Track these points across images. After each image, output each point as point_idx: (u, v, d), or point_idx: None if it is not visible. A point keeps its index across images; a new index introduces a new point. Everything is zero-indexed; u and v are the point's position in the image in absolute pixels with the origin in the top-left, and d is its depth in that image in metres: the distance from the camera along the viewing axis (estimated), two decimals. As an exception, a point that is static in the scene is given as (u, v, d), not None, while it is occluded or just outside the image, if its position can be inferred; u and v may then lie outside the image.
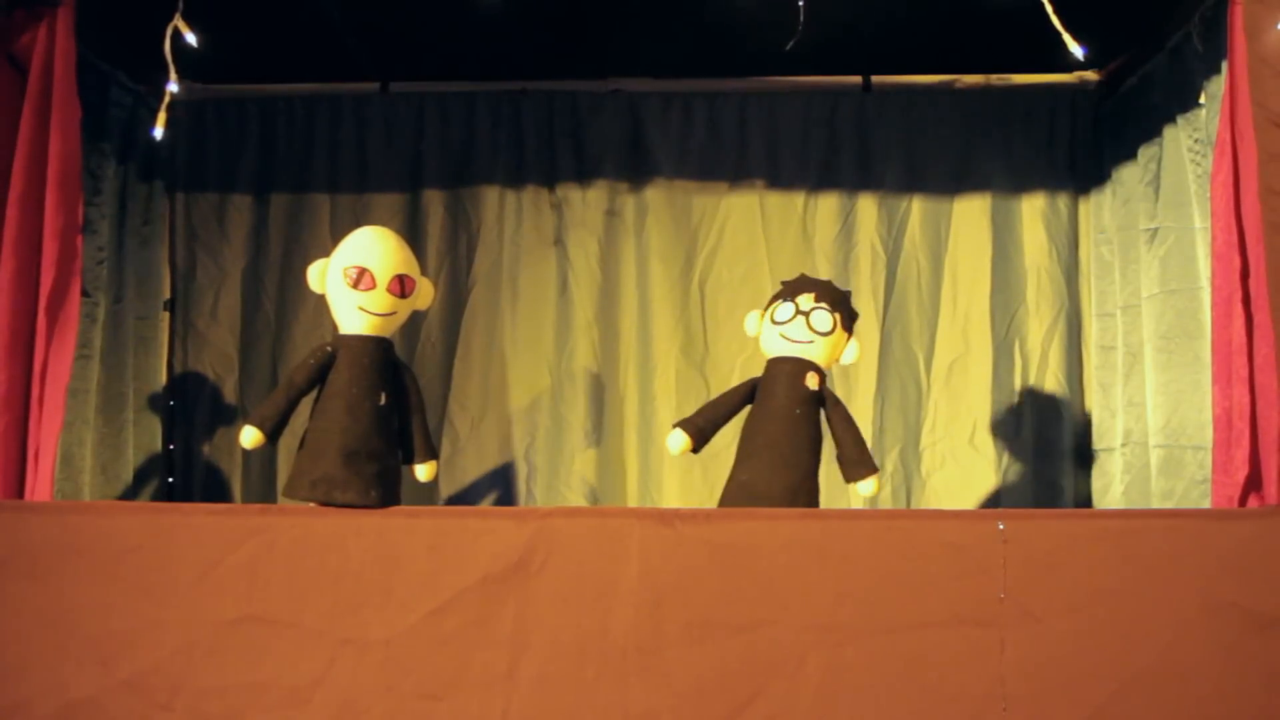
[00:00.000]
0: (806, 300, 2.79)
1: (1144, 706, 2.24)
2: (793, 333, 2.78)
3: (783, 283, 2.90)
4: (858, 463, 2.73)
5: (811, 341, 2.77)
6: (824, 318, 2.77)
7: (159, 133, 2.77)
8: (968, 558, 2.30)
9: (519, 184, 3.72)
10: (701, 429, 2.78)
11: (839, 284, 3.61)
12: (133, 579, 2.34)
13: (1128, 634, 2.26)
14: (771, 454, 2.73)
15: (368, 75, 3.69)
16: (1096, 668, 2.26)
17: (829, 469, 3.68)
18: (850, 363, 2.82)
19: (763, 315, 2.84)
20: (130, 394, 3.46)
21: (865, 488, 2.72)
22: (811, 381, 2.76)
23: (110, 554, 2.35)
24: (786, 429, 2.75)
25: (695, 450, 2.78)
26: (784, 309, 2.79)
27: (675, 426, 2.76)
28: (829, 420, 2.77)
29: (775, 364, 2.80)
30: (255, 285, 3.72)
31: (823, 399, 2.77)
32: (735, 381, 3.61)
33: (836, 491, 3.57)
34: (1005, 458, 3.59)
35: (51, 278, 2.61)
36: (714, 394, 3.61)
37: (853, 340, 2.81)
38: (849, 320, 2.82)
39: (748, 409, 2.82)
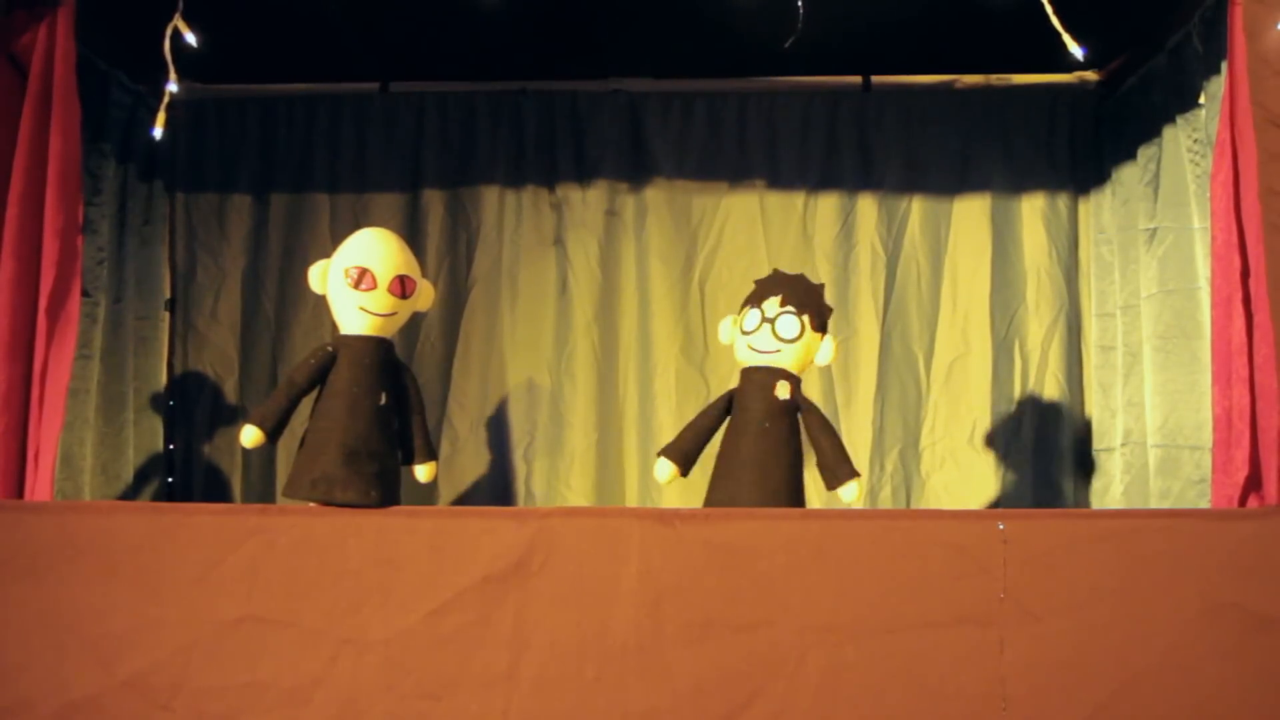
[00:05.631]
0: (772, 305, 2.72)
1: (1144, 706, 2.24)
2: (759, 343, 2.72)
3: (755, 282, 2.84)
4: (837, 468, 2.64)
5: (779, 350, 2.70)
6: (790, 323, 2.69)
7: (159, 133, 2.76)
8: (968, 558, 2.29)
9: (519, 184, 3.71)
10: (686, 452, 2.75)
11: (839, 284, 3.65)
12: (133, 579, 2.34)
13: (1128, 634, 2.26)
14: (745, 471, 2.69)
15: (368, 75, 3.69)
16: (1096, 668, 2.26)
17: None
18: (825, 364, 2.76)
19: (734, 322, 2.79)
20: (130, 394, 3.46)
21: (847, 493, 2.63)
22: (781, 391, 2.69)
23: (110, 554, 2.35)
24: (758, 444, 2.69)
25: (684, 474, 2.76)
26: (751, 317, 2.73)
27: (660, 455, 2.75)
28: (806, 428, 2.69)
29: (746, 375, 2.74)
30: (255, 285, 3.72)
31: (797, 407, 2.70)
32: (734, 382, 3.64)
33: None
34: (1005, 458, 3.59)
35: (51, 278, 2.61)
36: (714, 394, 3.62)
37: (827, 339, 2.73)
38: (820, 319, 2.73)
39: (727, 423, 2.76)
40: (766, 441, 2.68)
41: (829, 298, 3.61)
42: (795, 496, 2.67)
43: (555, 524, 2.35)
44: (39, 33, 2.65)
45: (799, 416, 2.70)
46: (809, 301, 2.74)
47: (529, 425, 3.67)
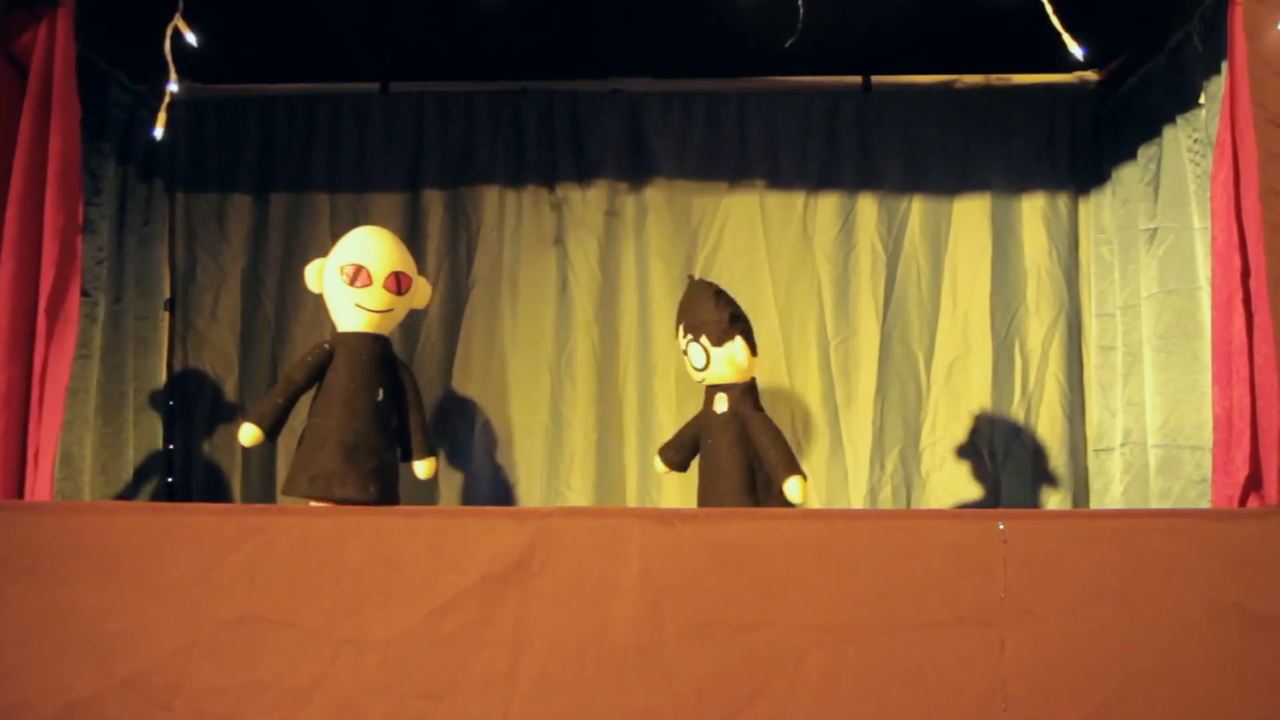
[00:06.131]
0: (680, 337, 2.90)
1: (1144, 707, 2.24)
2: (688, 365, 2.90)
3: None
4: (777, 468, 2.69)
5: (703, 373, 2.86)
6: (695, 353, 2.84)
7: (159, 133, 2.77)
8: (968, 558, 2.29)
9: (519, 184, 3.72)
10: (670, 457, 3.00)
11: (839, 284, 3.65)
12: (133, 579, 2.34)
13: (1128, 634, 2.26)
14: (703, 488, 2.84)
15: (368, 75, 3.69)
16: (1096, 668, 2.26)
17: (828, 472, 3.64)
18: (743, 363, 2.82)
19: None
20: (130, 394, 3.46)
21: (791, 491, 2.66)
22: (719, 405, 2.81)
23: (110, 554, 2.35)
24: (704, 460, 2.85)
25: (681, 471, 3.00)
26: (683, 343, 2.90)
27: (659, 453, 3.02)
28: (751, 435, 2.76)
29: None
30: (255, 285, 3.72)
31: (741, 417, 2.77)
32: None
33: (836, 491, 3.58)
34: (1005, 458, 3.59)
35: (51, 278, 2.61)
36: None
37: (734, 343, 2.81)
38: (717, 333, 2.80)
39: None
40: (710, 456, 2.83)
41: (828, 297, 3.64)
42: (744, 504, 2.73)
43: (555, 524, 2.35)
44: (39, 33, 2.65)
45: (744, 425, 2.78)
46: (699, 321, 2.84)
47: (529, 425, 3.67)
